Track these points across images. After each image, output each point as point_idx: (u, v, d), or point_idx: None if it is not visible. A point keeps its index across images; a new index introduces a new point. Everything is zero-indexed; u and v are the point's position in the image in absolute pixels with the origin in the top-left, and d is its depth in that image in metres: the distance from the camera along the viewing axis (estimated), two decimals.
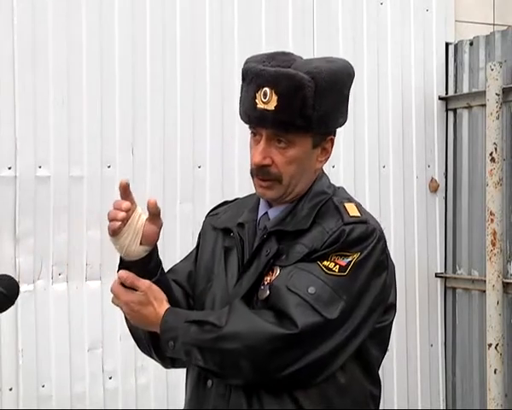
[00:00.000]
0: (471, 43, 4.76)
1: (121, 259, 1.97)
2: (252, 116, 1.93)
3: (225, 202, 2.21)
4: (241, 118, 1.98)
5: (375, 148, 4.61)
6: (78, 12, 3.83)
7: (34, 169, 3.74)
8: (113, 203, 1.91)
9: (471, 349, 4.70)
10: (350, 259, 1.87)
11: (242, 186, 4.14)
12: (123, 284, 1.90)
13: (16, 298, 1.97)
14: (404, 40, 4.72)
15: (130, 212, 1.90)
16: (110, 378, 3.90)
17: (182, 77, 4.09)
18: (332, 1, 4.50)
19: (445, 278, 4.83)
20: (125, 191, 1.91)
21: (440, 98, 4.85)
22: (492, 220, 4.41)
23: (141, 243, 1.92)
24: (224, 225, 2.07)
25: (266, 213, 2.01)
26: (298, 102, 1.87)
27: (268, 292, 1.87)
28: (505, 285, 4.43)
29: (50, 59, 3.77)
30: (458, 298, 4.79)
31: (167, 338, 1.85)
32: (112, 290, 1.92)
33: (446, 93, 4.86)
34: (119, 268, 1.97)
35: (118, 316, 3.83)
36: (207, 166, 4.15)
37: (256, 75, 1.91)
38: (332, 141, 1.97)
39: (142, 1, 3.99)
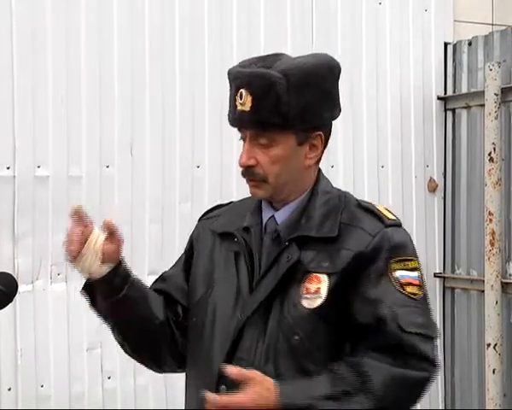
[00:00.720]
0: (470, 44, 4.77)
1: (86, 279, 1.97)
2: (232, 118, 1.96)
3: (218, 206, 2.19)
4: (228, 121, 2.00)
5: (373, 148, 4.61)
6: (77, 12, 3.83)
7: (33, 169, 3.74)
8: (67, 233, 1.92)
9: (470, 349, 4.70)
10: (416, 273, 1.91)
11: (241, 186, 4.12)
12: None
13: (15, 295, 1.96)
14: (402, 40, 4.72)
15: (87, 234, 1.91)
16: (109, 378, 3.90)
17: (181, 77, 4.09)
18: (331, 0, 4.50)
19: (444, 277, 4.83)
20: (77, 216, 1.92)
21: (439, 98, 4.85)
22: (491, 220, 4.41)
23: (103, 262, 1.91)
24: (223, 230, 2.04)
25: (273, 216, 1.98)
26: (271, 100, 1.87)
27: (320, 301, 1.85)
28: (504, 285, 4.43)
29: (49, 59, 3.77)
30: (457, 298, 4.79)
31: None
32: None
33: (445, 93, 4.86)
34: (84, 287, 1.99)
35: None
36: (206, 167, 4.15)
37: (234, 77, 1.95)
38: (321, 137, 1.95)
39: (141, 1, 3.99)
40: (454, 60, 4.85)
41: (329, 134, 1.99)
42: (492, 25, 4.99)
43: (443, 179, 4.86)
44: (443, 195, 4.86)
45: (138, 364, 3.95)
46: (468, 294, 4.72)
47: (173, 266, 2.16)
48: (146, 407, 3.99)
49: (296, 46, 4.30)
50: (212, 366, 1.93)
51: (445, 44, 4.87)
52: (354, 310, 1.86)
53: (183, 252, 2.17)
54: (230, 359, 1.88)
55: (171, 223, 4.05)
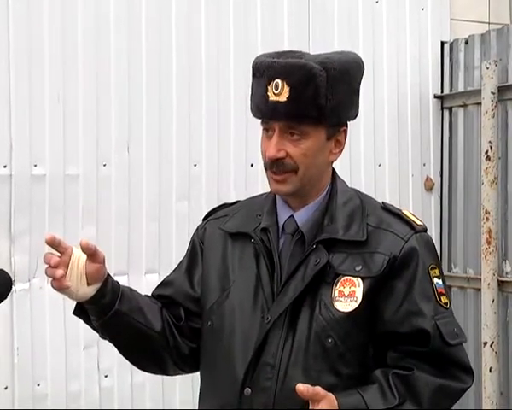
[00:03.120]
0: (466, 42, 4.77)
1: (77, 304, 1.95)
2: (264, 110, 1.89)
3: (224, 205, 2.15)
4: (253, 113, 1.94)
5: (370, 146, 4.61)
6: (74, 10, 3.83)
7: (30, 168, 3.74)
8: (43, 259, 1.86)
9: (466, 347, 4.65)
10: (441, 281, 1.93)
11: (238, 184, 4.15)
12: None
13: (9, 292, 1.94)
14: (399, 39, 4.73)
15: (67, 259, 1.85)
16: (106, 377, 3.90)
17: (177, 75, 4.08)
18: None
19: None
20: (53, 244, 1.85)
21: (436, 97, 4.85)
22: (488, 219, 4.41)
23: (89, 284, 1.88)
24: (237, 230, 2.00)
25: (291, 216, 1.95)
26: (310, 92, 1.84)
27: (356, 305, 1.85)
28: (500, 284, 4.44)
29: (46, 57, 3.76)
30: (453, 296, 4.79)
31: None
32: None
33: (442, 92, 4.86)
34: (75, 310, 1.97)
35: None
36: (203, 165, 4.14)
37: (267, 68, 1.88)
38: (345, 132, 1.95)
39: (138, 0, 3.99)
40: (451, 58, 4.85)
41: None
42: (489, 23, 4.99)
43: (440, 178, 4.87)
44: (439, 193, 4.87)
45: None
46: (465, 292, 4.72)
47: (175, 269, 2.12)
48: (143, 406, 3.99)
49: (293, 45, 4.29)
50: (234, 370, 1.89)
51: (442, 43, 4.86)
52: (387, 316, 1.87)
53: (184, 255, 2.12)
54: (255, 362, 1.87)
55: (168, 221, 4.04)
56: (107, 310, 1.90)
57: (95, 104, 3.88)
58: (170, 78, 4.07)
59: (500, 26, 4.70)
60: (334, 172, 2.01)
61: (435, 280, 1.90)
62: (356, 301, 1.85)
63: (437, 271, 1.92)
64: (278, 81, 1.85)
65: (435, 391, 1.85)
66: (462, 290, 4.74)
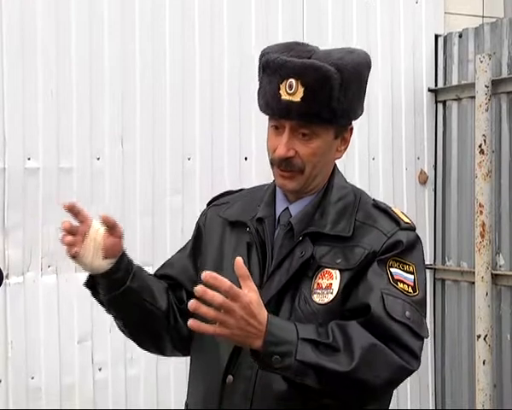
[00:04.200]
0: (460, 36, 4.77)
1: (88, 274, 1.95)
2: (276, 108, 1.88)
3: (228, 192, 2.16)
4: (263, 110, 1.94)
5: (364, 140, 4.61)
6: (67, 4, 3.82)
7: (23, 161, 3.73)
8: (61, 225, 1.87)
9: (460, 340, 4.72)
10: (412, 277, 1.88)
11: (232, 178, 4.15)
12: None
13: (0, 284, 1.94)
14: (393, 32, 4.73)
15: (85, 229, 1.87)
16: (100, 370, 3.90)
17: (171, 69, 4.08)
18: None
19: (435, 269, 4.84)
20: (73, 212, 1.88)
21: (430, 90, 4.85)
22: (481, 212, 4.42)
23: (105, 257, 1.88)
24: (235, 218, 2.01)
25: (287, 208, 1.96)
26: (324, 93, 1.85)
27: (332, 297, 1.84)
28: (494, 277, 4.45)
29: (39, 50, 3.75)
30: (447, 290, 4.81)
31: (274, 352, 1.71)
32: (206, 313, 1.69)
33: (436, 85, 4.87)
34: (87, 282, 1.96)
35: None
36: (197, 159, 4.14)
37: (280, 66, 1.87)
38: (351, 130, 1.96)
39: None
40: (445, 52, 4.85)
41: None
42: (483, 17, 4.99)
43: (433, 171, 4.87)
44: (433, 187, 4.87)
45: (129, 355, 3.95)
46: (459, 285, 4.73)
47: (179, 251, 2.14)
48: (137, 399, 4.00)
49: (287, 37, 4.28)
50: (219, 356, 1.91)
51: (436, 36, 4.87)
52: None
53: (190, 238, 2.14)
54: (239, 350, 1.86)
55: (162, 215, 4.04)
56: (118, 286, 1.91)
57: (88, 97, 3.87)
58: (163, 71, 4.06)
59: (494, 20, 4.71)
60: (335, 167, 2.01)
61: (392, 269, 1.86)
62: (332, 293, 1.85)
63: (407, 266, 1.88)
64: (292, 81, 1.85)
65: (369, 347, 1.76)
66: (455, 284, 4.75)
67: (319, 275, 1.87)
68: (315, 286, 1.86)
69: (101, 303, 2.00)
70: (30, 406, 3.73)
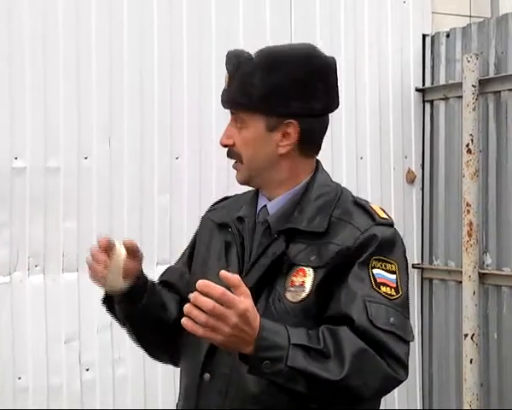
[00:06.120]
0: (448, 35, 4.78)
1: (106, 292, 2.01)
2: (220, 98, 2.01)
3: (226, 198, 2.20)
4: None
5: (352, 139, 4.61)
6: (54, 2, 3.80)
7: (10, 160, 3.72)
8: (91, 252, 1.94)
9: (447, 339, 4.73)
10: (394, 277, 1.85)
11: (220, 178, 4.14)
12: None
13: None
14: (380, 32, 4.73)
15: (109, 252, 1.93)
16: (87, 370, 3.88)
17: (159, 67, 4.07)
18: None
19: (422, 268, 4.85)
20: (104, 247, 1.93)
21: (417, 90, 4.86)
22: (469, 211, 4.43)
23: (124, 278, 1.94)
24: (221, 220, 2.05)
25: (265, 206, 1.98)
26: (238, 79, 1.92)
27: (304, 295, 1.83)
28: (481, 276, 4.46)
29: (26, 49, 3.74)
30: (435, 289, 4.82)
31: (265, 357, 1.69)
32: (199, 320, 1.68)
33: (423, 85, 4.88)
34: (104, 301, 2.02)
35: (95, 308, 3.83)
36: (185, 158, 4.13)
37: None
38: (294, 126, 1.91)
39: None
40: (432, 51, 4.86)
41: (315, 126, 1.96)
42: (470, 16, 5.00)
43: (421, 170, 4.88)
44: (421, 186, 4.88)
45: (117, 356, 3.94)
46: (446, 284, 4.74)
47: (180, 257, 2.19)
48: (124, 399, 3.99)
49: (275, 38, 4.29)
50: (199, 354, 1.92)
51: (423, 36, 4.87)
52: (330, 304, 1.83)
53: (187, 246, 2.18)
54: (214, 348, 1.86)
55: (150, 214, 4.03)
56: (135, 304, 1.96)
57: (76, 97, 3.86)
58: (151, 70, 4.05)
59: (481, 20, 4.72)
60: (318, 165, 2.01)
61: (375, 270, 1.83)
62: (304, 291, 1.84)
63: (389, 265, 1.85)
64: (227, 71, 1.97)
65: (359, 351, 1.73)
66: (443, 283, 4.76)
67: (293, 273, 1.86)
68: (289, 284, 1.86)
69: (117, 319, 2.05)
70: (17, 406, 3.72)
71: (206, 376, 1.91)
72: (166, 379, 3.91)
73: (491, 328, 4.48)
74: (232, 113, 1.97)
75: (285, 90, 1.90)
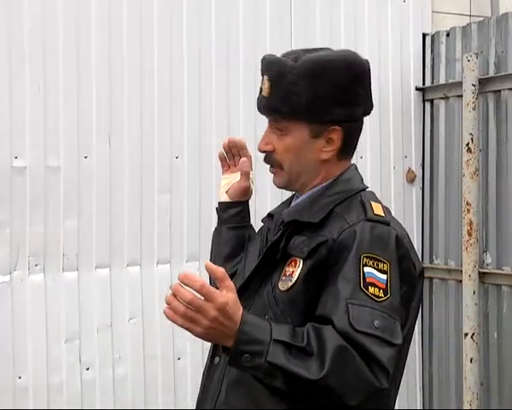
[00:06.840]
0: (448, 34, 4.78)
1: (219, 205, 2.28)
2: (256, 104, 2.01)
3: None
4: None
5: None
6: (54, 1, 3.80)
7: (10, 159, 3.72)
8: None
9: (447, 339, 4.73)
10: (385, 277, 1.83)
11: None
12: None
13: None
14: (380, 31, 4.73)
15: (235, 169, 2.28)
16: (87, 369, 3.89)
17: (159, 67, 4.07)
18: None
19: (422, 268, 4.84)
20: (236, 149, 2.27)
21: (417, 89, 4.86)
22: (469, 211, 4.43)
23: (227, 193, 2.25)
24: (263, 219, 2.17)
25: (290, 203, 2.06)
26: (282, 87, 1.91)
27: (291, 284, 1.86)
28: (481, 275, 4.46)
29: (26, 48, 3.74)
30: (435, 288, 4.82)
31: (245, 350, 1.70)
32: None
33: (423, 84, 4.88)
34: (219, 210, 2.29)
35: (95, 308, 3.83)
36: (185, 157, 4.14)
37: (260, 64, 1.99)
38: (338, 132, 1.95)
39: None
40: (432, 51, 4.86)
41: (355, 131, 2.02)
42: (470, 16, 5.01)
43: (421, 170, 4.88)
44: (421, 185, 4.88)
45: (117, 355, 3.94)
46: (446, 284, 4.74)
47: None
48: (125, 398, 3.98)
49: (274, 38, 4.30)
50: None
51: (424, 35, 4.88)
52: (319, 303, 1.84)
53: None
54: None
55: (150, 214, 4.03)
56: (240, 223, 2.25)
57: (76, 96, 3.86)
58: (151, 69, 4.05)
59: (481, 19, 4.72)
60: (350, 166, 2.03)
61: (366, 269, 1.81)
62: (291, 280, 1.87)
63: (381, 264, 1.83)
64: (265, 77, 1.95)
65: (340, 353, 1.71)
66: (443, 282, 4.76)
67: (288, 263, 1.91)
68: (283, 274, 1.91)
69: (219, 238, 2.27)
70: (17, 405, 3.72)
71: (216, 359, 1.98)
72: (166, 379, 3.91)
73: (491, 327, 4.48)
74: (272, 119, 1.97)
75: (329, 97, 1.92)
